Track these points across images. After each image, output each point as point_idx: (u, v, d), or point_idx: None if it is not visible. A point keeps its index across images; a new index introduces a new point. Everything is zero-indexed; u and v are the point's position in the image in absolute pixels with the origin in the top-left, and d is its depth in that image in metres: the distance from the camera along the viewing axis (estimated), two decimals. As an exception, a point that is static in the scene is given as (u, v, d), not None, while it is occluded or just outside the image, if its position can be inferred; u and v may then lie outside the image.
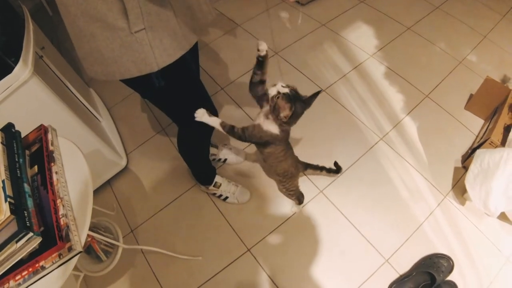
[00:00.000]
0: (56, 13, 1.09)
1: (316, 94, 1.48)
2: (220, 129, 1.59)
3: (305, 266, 2.08)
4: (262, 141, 1.62)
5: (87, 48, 1.17)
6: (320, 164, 2.14)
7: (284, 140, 1.70)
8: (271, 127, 1.55)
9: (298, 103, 1.46)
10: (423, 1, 3.46)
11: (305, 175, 2.38)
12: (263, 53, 1.47)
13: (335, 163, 2.24)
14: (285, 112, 1.45)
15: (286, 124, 1.53)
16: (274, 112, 1.49)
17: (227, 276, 2.10)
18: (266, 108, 1.54)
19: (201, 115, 1.55)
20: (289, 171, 1.90)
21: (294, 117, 1.51)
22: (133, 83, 1.34)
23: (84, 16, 1.06)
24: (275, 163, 1.81)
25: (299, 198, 2.17)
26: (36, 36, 1.93)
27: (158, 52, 1.19)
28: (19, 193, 1.09)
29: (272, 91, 1.46)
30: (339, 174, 2.33)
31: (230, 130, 1.59)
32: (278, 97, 1.44)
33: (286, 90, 1.44)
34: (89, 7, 1.04)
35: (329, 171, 2.19)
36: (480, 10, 3.35)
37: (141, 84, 1.39)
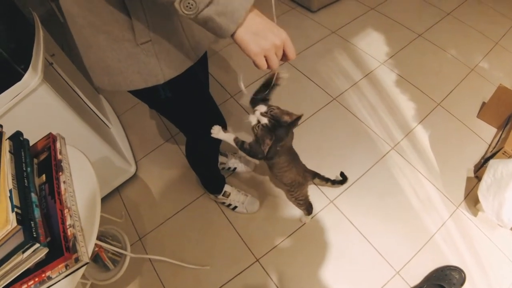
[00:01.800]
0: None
1: (298, 118, 1.41)
2: (234, 144, 1.59)
3: (314, 277, 2.06)
4: (266, 156, 1.60)
5: (93, 58, 1.16)
6: (326, 176, 2.11)
7: (286, 153, 1.68)
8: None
9: (280, 129, 1.42)
10: (433, 7, 3.44)
11: (314, 184, 2.36)
12: (280, 82, 1.44)
13: (341, 174, 2.22)
14: (265, 143, 1.42)
15: (273, 148, 1.50)
16: (258, 140, 1.47)
17: (235, 286, 2.08)
18: None
19: (217, 132, 1.56)
20: (296, 181, 1.88)
21: (278, 141, 1.47)
22: (139, 94, 1.32)
23: (91, 26, 1.05)
24: (280, 173, 1.78)
25: (308, 209, 2.14)
26: (46, 43, 1.93)
27: (165, 64, 1.18)
28: (26, 203, 1.08)
29: (252, 120, 1.43)
30: (344, 184, 2.29)
31: (242, 146, 1.59)
32: (258, 127, 1.41)
33: (265, 121, 1.39)
34: (95, 18, 1.03)
35: (333, 182, 2.17)
36: (491, 16, 3.33)
37: (148, 96, 1.37)
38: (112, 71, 1.16)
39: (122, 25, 1.04)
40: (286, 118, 1.39)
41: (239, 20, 0.87)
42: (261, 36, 0.92)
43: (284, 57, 1.03)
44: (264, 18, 0.94)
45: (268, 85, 1.41)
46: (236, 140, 1.59)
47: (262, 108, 1.40)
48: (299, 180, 1.89)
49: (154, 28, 1.08)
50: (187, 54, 1.22)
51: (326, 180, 2.11)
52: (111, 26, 1.05)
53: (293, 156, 1.79)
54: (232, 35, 0.90)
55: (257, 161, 2.52)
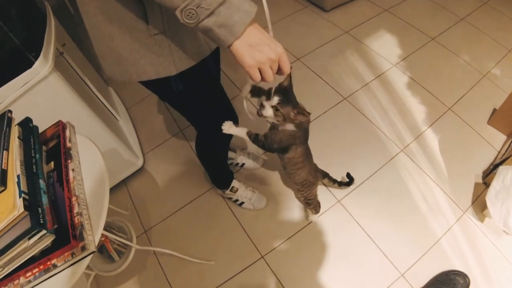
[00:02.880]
0: (78, 12, 1.07)
1: (290, 76, 1.35)
2: (246, 138, 1.59)
3: (319, 276, 2.06)
4: (282, 146, 1.59)
5: (105, 47, 1.15)
6: (334, 177, 2.11)
7: (304, 139, 1.65)
8: (287, 125, 1.50)
9: (290, 93, 1.37)
10: (447, 12, 3.43)
11: (323, 184, 2.35)
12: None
13: (348, 174, 2.21)
14: (292, 113, 1.38)
15: (301, 113, 1.45)
16: (286, 121, 1.44)
17: (239, 282, 2.08)
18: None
19: (228, 127, 1.56)
20: (307, 180, 1.87)
21: (296, 103, 1.40)
22: (151, 85, 1.32)
23: (103, 15, 1.05)
24: (294, 170, 1.77)
25: (316, 208, 2.14)
26: (58, 33, 1.93)
27: (178, 55, 1.17)
28: (34, 189, 1.07)
29: (268, 112, 1.38)
30: (351, 185, 2.28)
31: (255, 139, 1.59)
32: (278, 110, 1.37)
33: (277, 99, 1.35)
34: (108, 7, 1.02)
35: (340, 184, 2.17)
36: (505, 23, 3.31)
37: (159, 87, 1.37)
38: (124, 61, 1.15)
39: (136, 15, 1.04)
40: (283, 83, 1.36)
41: (238, 34, 0.88)
42: (256, 49, 0.93)
43: (279, 71, 1.03)
44: (262, 31, 0.95)
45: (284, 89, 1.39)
46: (249, 133, 1.59)
47: (264, 99, 1.39)
48: (310, 179, 1.88)
49: (168, 19, 1.07)
50: (200, 46, 1.21)
51: (334, 181, 2.11)
52: (124, 16, 1.04)
53: (308, 153, 1.77)
54: (229, 46, 0.91)
55: (265, 157, 2.52)
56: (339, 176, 2.18)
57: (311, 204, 2.09)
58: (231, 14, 0.84)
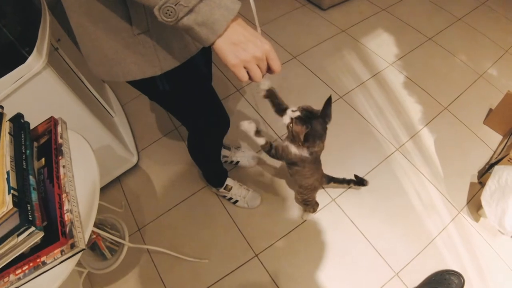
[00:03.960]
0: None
1: (328, 102, 1.39)
2: (260, 145, 1.57)
3: (312, 275, 2.05)
4: (291, 162, 1.59)
5: (91, 47, 1.14)
6: (347, 177, 2.12)
7: (314, 162, 1.65)
8: (300, 150, 1.50)
9: (316, 121, 1.38)
10: (445, 12, 3.42)
11: (322, 188, 2.35)
12: (263, 93, 1.43)
13: (355, 176, 2.20)
14: (301, 136, 1.38)
15: (311, 147, 1.47)
16: (294, 139, 1.44)
17: (232, 281, 2.08)
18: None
19: (248, 128, 1.51)
20: (312, 185, 1.87)
21: (316, 137, 1.42)
22: (138, 85, 1.31)
23: (87, 15, 1.03)
24: (300, 179, 1.77)
25: (313, 207, 2.14)
26: (53, 28, 1.91)
27: (162, 55, 1.15)
28: (24, 185, 1.07)
29: (285, 120, 1.40)
30: (346, 185, 2.27)
31: (269, 151, 1.57)
32: (291, 124, 1.39)
33: (297, 113, 1.36)
34: (92, 7, 1.01)
35: (357, 183, 2.17)
36: (503, 24, 3.31)
37: (146, 87, 1.36)
38: (110, 61, 1.14)
39: (120, 15, 1.02)
40: (318, 111, 1.39)
41: (219, 32, 0.85)
42: (240, 47, 0.89)
43: (269, 70, 0.99)
44: (247, 28, 0.91)
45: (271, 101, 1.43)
46: (265, 144, 1.56)
47: (291, 108, 1.40)
48: (315, 185, 1.89)
49: (152, 18, 1.05)
50: (186, 45, 1.19)
51: (348, 182, 2.13)
52: (108, 16, 1.02)
53: (317, 165, 1.77)
54: (212, 45, 0.88)
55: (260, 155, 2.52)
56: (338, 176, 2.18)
57: (309, 205, 2.10)
58: (211, 11, 0.81)
